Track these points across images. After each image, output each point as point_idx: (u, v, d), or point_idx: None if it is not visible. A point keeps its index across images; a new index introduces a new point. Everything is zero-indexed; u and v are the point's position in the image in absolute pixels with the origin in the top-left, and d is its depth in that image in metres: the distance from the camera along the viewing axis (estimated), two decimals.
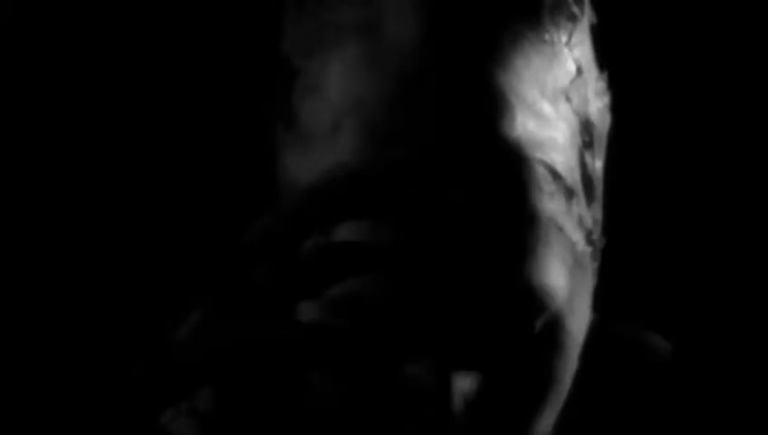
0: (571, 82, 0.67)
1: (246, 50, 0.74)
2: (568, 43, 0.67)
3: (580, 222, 0.68)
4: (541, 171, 0.65)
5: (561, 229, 0.66)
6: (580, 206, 0.68)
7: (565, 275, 0.67)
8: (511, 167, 0.64)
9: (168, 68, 0.74)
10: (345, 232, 0.62)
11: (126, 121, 0.74)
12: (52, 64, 0.73)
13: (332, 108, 0.64)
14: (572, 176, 0.67)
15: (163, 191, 0.73)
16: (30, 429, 0.64)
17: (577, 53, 0.67)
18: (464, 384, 0.64)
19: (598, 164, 0.69)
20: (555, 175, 0.66)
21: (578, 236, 0.68)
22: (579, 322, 0.68)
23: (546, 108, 0.67)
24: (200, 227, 0.72)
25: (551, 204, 0.65)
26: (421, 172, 0.64)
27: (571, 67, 0.67)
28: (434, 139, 0.64)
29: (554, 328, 0.65)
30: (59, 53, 0.73)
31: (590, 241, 0.69)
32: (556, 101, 0.67)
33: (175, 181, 0.73)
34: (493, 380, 0.65)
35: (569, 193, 0.67)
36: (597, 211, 0.69)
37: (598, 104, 0.69)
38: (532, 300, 0.64)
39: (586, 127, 0.68)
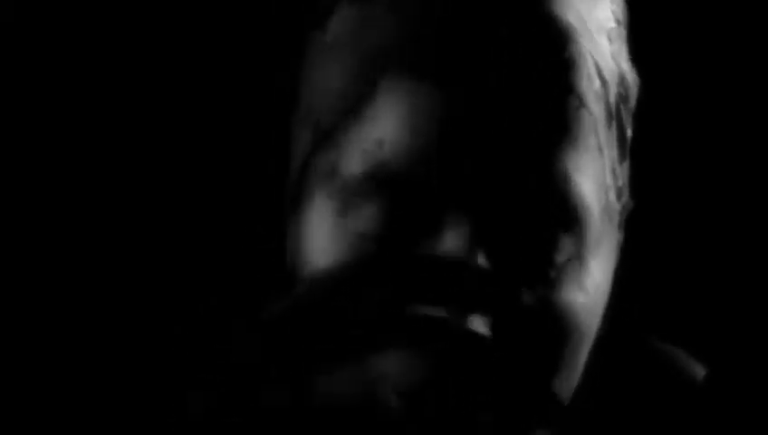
0: (612, 28, 0.65)
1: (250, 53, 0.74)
2: None
3: (613, 167, 0.64)
4: (591, 63, 0.62)
5: (599, 148, 0.63)
6: (615, 147, 0.64)
7: (596, 201, 0.62)
8: (563, 46, 0.61)
9: (170, 69, 0.74)
10: None
11: (126, 122, 0.74)
12: (52, 64, 0.73)
13: None
14: (613, 97, 0.63)
15: (164, 192, 0.73)
16: (30, 429, 0.64)
17: (615, 6, 0.65)
18: (488, 281, 0.58)
19: (628, 124, 0.66)
20: (602, 79, 0.62)
21: (610, 179, 0.64)
22: (602, 275, 0.63)
23: (593, 30, 0.63)
24: (203, 228, 0.72)
25: (594, 104, 0.62)
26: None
27: (611, 15, 0.65)
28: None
29: (579, 267, 0.62)
30: (59, 53, 0.73)
31: (618, 198, 0.65)
32: (600, 34, 0.63)
33: (176, 182, 0.73)
34: (517, 297, 0.60)
35: (608, 115, 0.63)
36: (626, 172, 0.66)
37: (630, 67, 0.66)
38: (563, 197, 0.60)
39: (622, 80, 0.65)
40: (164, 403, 0.64)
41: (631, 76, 0.65)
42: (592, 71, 0.62)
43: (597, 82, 0.62)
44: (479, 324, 0.58)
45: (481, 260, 0.59)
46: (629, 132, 0.66)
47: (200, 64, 0.74)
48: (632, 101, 0.66)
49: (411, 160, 0.60)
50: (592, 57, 0.62)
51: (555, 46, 0.61)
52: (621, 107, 0.65)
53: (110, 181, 0.72)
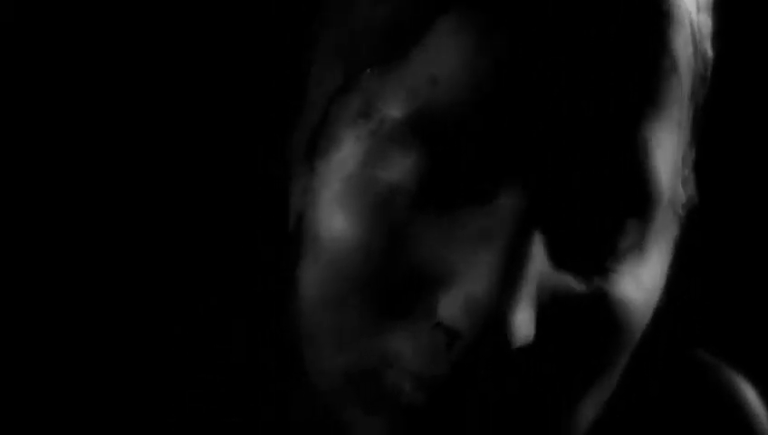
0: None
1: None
2: None
3: (684, 154, 0.58)
4: (688, 24, 0.54)
5: (680, 125, 0.55)
6: (688, 131, 0.57)
7: (668, 188, 0.55)
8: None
9: (171, 69, 0.74)
10: None
11: (126, 122, 0.74)
12: (52, 64, 0.73)
13: None
14: (697, 77, 0.57)
15: (164, 193, 0.73)
16: (30, 429, 0.64)
17: None
18: (542, 266, 0.52)
19: (700, 109, 0.59)
20: (695, 46, 0.55)
21: (680, 164, 0.57)
22: (658, 268, 0.57)
23: None
24: (203, 230, 0.72)
25: (686, 74, 0.54)
26: None
27: None
28: None
29: (638, 256, 0.55)
30: (59, 53, 0.73)
31: (684, 188, 0.59)
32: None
33: (176, 183, 0.73)
34: (570, 284, 0.54)
35: (692, 90, 0.56)
36: (691, 161, 0.59)
37: (709, 48, 0.59)
38: (639, 175, 0.53)
39: (704, 59, 0.58)
40: (164, 403, 0.64)
41: (709, 61, 0.59)
42: (688, 33, 0.54)
43: (690, 49, 0.55)
44: (524, 317, 0.51)
45: (535, 241, 0.52)
46: (702, 111, 0.59)
47: (202, 63, 0.74)
48: (708, 77, 0.59)
49: (466, 106, 0.52)
50: (690, 17, 0.54)
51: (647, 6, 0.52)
52: (700, 87, 0.58)
53: (110, 181, 0.72)
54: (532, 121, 0.52)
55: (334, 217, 0.55)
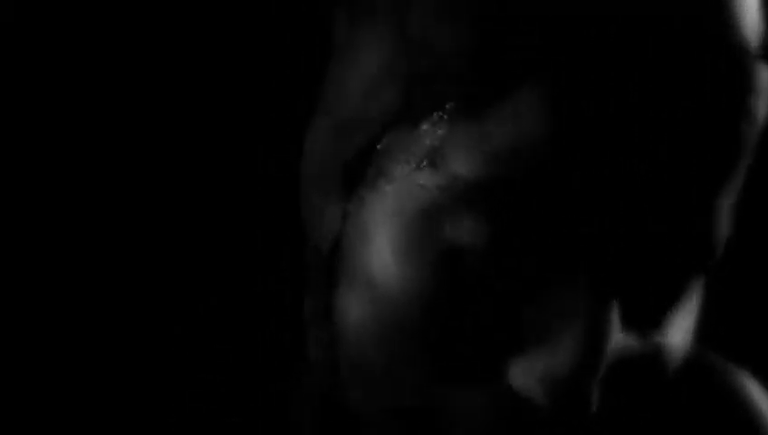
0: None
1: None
2: None
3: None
4: (765, 80, 0.51)
5: (740, 174, 0.53)
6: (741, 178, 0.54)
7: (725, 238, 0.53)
8: (744, 63, 0.50)
9: (172, 68, 0.74)
10: None
11: (126, 121, 0.74)
12: (52, 64, 0.73)
13: None
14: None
15: (163, 192, 0.73)
16: (30, 429, 0.64)
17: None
18: (616, 335, 0.52)
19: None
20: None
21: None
22: (679, 339, 0.56)
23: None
24: (204, 229, 0.72)
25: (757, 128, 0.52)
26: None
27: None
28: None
29: (686, 306, 0.54)
30: (59, 53, 0.73)
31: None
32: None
33: (176, 183, 0.73)
34: (631, 346, 0.53)
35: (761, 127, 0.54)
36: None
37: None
38: (709, 237, 0.51)
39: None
40: (164, 403, 0.64)
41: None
42: (765, 88, 0.52)
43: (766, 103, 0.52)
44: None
45: (613, 312, 0.52)
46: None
47: (203, 64, 0.74)
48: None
49: (543, 178, 0.49)
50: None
51: (735, 63, 0.50)
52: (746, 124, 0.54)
53: (110, 181, 0.72)
54: (610, 190, 0.50)
55: (387, 258, 0.53)
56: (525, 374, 0.52)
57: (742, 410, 0.69)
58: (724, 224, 0.52)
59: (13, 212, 0.70)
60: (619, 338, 0.53)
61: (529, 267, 0.52)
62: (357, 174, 0.54)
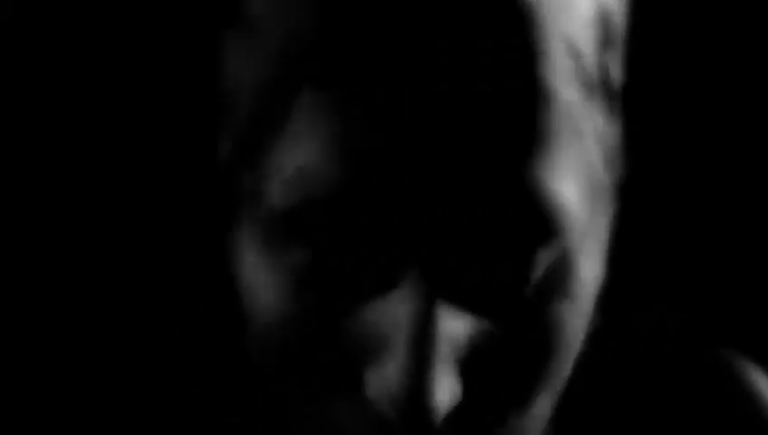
0: None
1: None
2: None
3: (600, 135, 0.55)
4: (558, 43, 0.51)
5: (577, 131, 0.53)
6: (600, 113, 0.54)
7: (579, 194, 0.53)
8: (523, 33, 0.50)
9: (172, 69, 0.74)
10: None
11: (127, 121, 0.74)
12: (53, 64, 0.73)
13: None
14: (591, 65, 0.54)
15: (164, 192, 0.73)
16: (29, 429, 0.64)
17: None
18: (453, 327, 0.51)
19: (615, 72, 0.56)
20: (575, 53, 0.52)
21: (596, 152, 0.54)
22: (591, 270, 0.55)
23: None
24: (202, 228, 0.72)
25: (567, 89, 0.52)
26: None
27: None
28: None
29: (563, 272, 0.53)
30: (59, 53, 0.73)
31: (609, 165, 0.56)
32: None
33: (176, 182, 0.73)
34: (489, 327, 0.52)
35: (588, 84, 0.53)
36: (617, 132, 0.56)
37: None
38: (538, 211, 0.51)
39: (605, 21, 0.54)
40: (164, 403, 0.64)
41: (617, 10, 0.55)
42: (560, 52, 0.51)
43: (567, 62, 0.52)
44: (443, 388, 0.50)
45: (440, 313, 0.51)
46: (617, 80, 0.56)
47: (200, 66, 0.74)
48: (619, 40, 0.56)
49: (340, 195, 0.50)
50: (562, 35, 0.52)
51: (513, 35, 0.50)
52: (606, 56, 0.54)
53: (111, 180, 0.72)
54: (412, 195, 0.50)
55: (248, 277, 0.54)
56: (374, 388, 0.51)
57: (754, 404, 0.69)
58: (563, 194, 0.51)
59: (9, 210, 0.70)
60: (460, 330, 0.51)
61: (354, 281, 0.52)
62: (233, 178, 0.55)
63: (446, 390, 0.50)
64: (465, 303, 0.52)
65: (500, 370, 0.53)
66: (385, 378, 0.50)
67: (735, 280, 0.94)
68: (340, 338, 0.53)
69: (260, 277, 0.54)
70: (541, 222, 0.51)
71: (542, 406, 0.54)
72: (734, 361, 0.70)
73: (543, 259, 0.52)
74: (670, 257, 0.92)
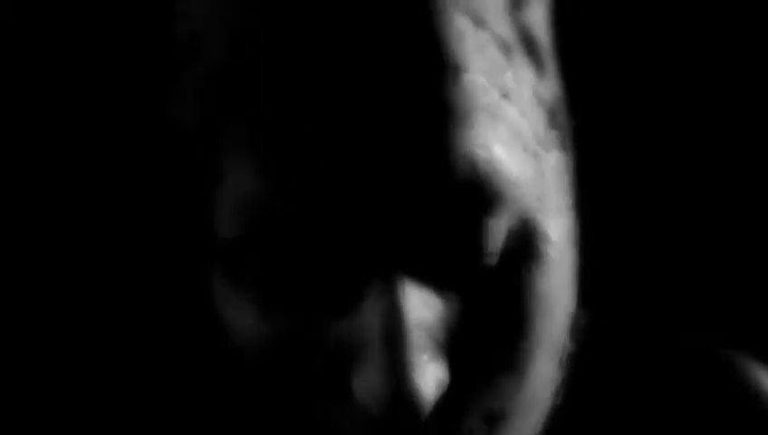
0: None
1: None
2: None
3: (534, 93, 0.55)
4: (459, 18, 0.52)
5: (504, 95, 0.53)
6: (525, 71, 0.54)
7: (517, 156, 0.53)
8: (426, 17, 0.51)
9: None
10: None
11: (128, 122, 0.74)
12: (53, 64, 0.73)
13: None
14: (504, 28, 0.54)
15: (164, 192, 0.73)
16: (30, 429, 0.64)
17: None
18: (424, 314, 0.52)
19: (538, 26, 0.56)
20: (479, 21, 0.52)
21: (534, 112, 0.54)
22: (558, 226, 0.55)
23: None
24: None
25: (478, 56, 0.52)
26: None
27: None
28: None
29: (527, 235, 0.54)
30: (59, 53, 0.73)
31: (553, 121, 0.56)
32: None
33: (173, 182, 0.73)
34: (460, 305, 0.53)
35: (505, 47, 0.53)
36: (553, 84, 0.56)
37: None
38: (472, 182, 0.51)
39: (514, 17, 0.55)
40: (165, 403, 0.64)
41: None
42: (465, 24, 0.52)
43: (474, 32, 0.52)
44: (426, 379, 0.51)
45: (409, 302, 0.51)
46: (541, 35, 0.56)
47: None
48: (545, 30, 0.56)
49: (279, 217, 0.51)
50: (464, 7, 0.52)
51: (414, 17, 0.51)
52: (521, 14, 0.54)
53: (110, 181, 0.72)
54: (349, 200, 0.51)
55: (227, 309, 0.56)
56: (360, 392, 0.52)
57: (755, 401, 0.68)
58: (494, 157, 0.52)
59: (9, 210, 0.70)
60: (431, 315, 0.52)
61: (318, 297, 0.53)
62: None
63: (429, 378, 0.51)
64: (430, 286, 0.52)
65: (481, 343, 0.53)
66: (368, 381, 0.51)
67: (735, 278, 0.94)
68: (320, 352, 0.53)
69: (230, 303, 0.55)
70: (477, 191, 0.51)
71: (543, 371, 0.54)
72: (734, 358, 0.70)
73: (497, 227, 0.52)
74: (668, 256, 0.92)
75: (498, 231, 0.52)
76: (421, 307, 0.51)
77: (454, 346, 0.53)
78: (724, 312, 0.92)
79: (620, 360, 0.69)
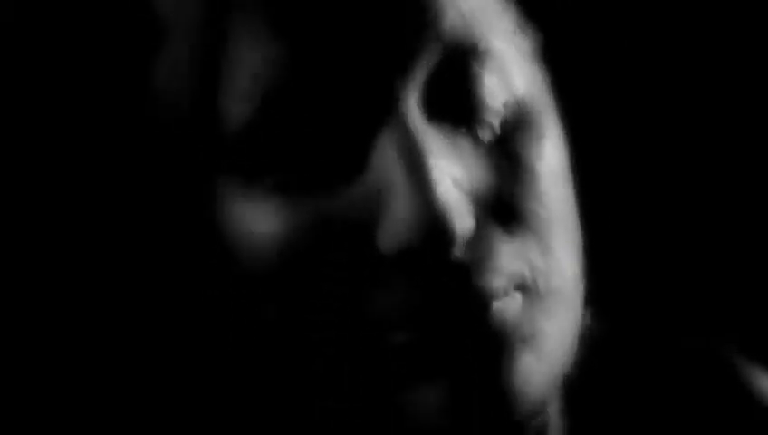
0: None
1: None
2: None
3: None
4: None
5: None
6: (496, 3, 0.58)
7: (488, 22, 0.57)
8: None
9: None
10: None
11: (127, 122, 0.74)
12: (53, 64, 0.73)
13: None
14: None
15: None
16: (30, 429, 0.64)
17: None
18: (445, 163, 0.53)
19: None
20: None
21: (508, 27, 0.59)
22: (554, 150, 0.57)
23: None
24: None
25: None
26: None
27: None
28: None
29: (524, 111, 0.56)
30: (59, 53, 0.73)
31: (522, 35, 0.60)
32: None
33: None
34: (473, 160, 0.55)
35: None
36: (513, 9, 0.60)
37: None
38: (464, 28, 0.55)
39: None
40: (165, 403, 0.64)
41: None
42: None
43: None
44: (459, 212, 0.52)
45: (428, 140, 0.53)
46: None
47: None
48: None
49: (296, 91, 0.54)
50: None
51: None
52: None
53: (111, 180, 0.72)
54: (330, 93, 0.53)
55: (240, 221, 0.56)
56: (388, 238, 0.52)
57: (754, 402, 0.68)
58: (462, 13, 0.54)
59: (9, 210, 0.70)
60: (454, 166, 0.53)
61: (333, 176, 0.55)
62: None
63: (460, 213, 0.52)
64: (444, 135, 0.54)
65: (497, 200, 0.55)
66: (397, 220, 0.51)
67: (734, 278, 0.94)
68: (338, 243, 0.54)
69: (244, 204, 0.56)
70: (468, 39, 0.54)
71: (564, 255, 0.55)
72: (734, 358, 0.70)
73: (492, 82, 0.55)
74: (668, 256, 0.92)
75: (494, 86, 0.55)
76: (439, 146, 0.52)
77: (474, 200, 0.54)
78: (724, 312, 0.92)
79: (620, 360, 0.69)
